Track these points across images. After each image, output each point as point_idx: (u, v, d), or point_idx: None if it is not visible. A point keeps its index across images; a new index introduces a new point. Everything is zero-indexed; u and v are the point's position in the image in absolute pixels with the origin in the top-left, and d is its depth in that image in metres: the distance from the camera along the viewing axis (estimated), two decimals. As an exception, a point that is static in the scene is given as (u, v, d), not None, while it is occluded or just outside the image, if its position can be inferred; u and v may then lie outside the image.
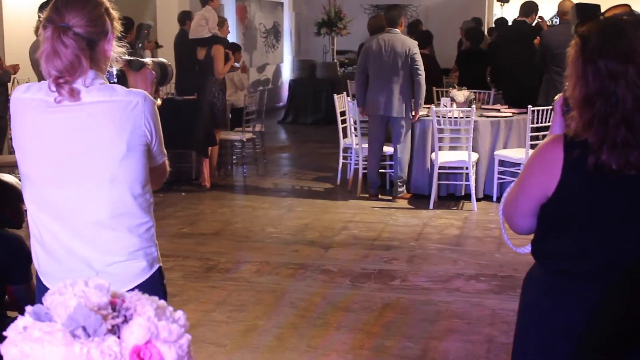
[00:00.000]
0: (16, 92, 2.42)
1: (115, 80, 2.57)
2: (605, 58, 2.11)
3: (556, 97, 2.36)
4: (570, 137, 2.17)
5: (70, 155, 2.34)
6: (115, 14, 2.43)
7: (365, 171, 8.61)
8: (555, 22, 12.70)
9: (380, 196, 8.45)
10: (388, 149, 8.48)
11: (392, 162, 8.52)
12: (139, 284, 2.41)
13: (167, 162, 2.59)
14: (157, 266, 2.51)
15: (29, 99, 2.37)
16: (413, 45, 8.18)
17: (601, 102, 2.11)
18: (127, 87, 2.46)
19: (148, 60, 2.70)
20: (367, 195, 8.47)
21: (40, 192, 2.41)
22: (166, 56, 9.91)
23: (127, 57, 2.54)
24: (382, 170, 8.69)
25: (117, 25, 2.43)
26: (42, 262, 2.47)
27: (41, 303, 1.40)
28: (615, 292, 2.18)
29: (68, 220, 2.39)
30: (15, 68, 7.62)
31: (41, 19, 2.37)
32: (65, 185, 2.36)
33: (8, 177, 3.75)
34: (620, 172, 2.10)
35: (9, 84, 7.92)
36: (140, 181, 2.40)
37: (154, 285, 2.43)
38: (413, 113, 8.17)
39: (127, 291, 1.46)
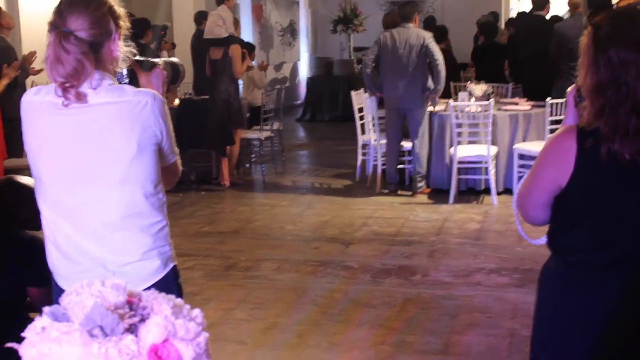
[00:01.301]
0: (26, 96, 2.43)
1: (127, 80, 2.57)
2: (617, 47, 2.10)
3: (569, 89, 2.35)
4: (582, 126, 2.16)
5: (81, 156, 2.35)
6: (121, 11, 2.41)
7: (384, 167, 8.60)
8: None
9: (399, 192, 8.44)
10: (406, 145, 8.46)
11: (410, 158, 8.50)
12: (154, 283, 2.41)
13: (179, 161, 2.59)
14: (171, 265, 2.51)
15: (39, 102, 2.38)
16: (427, 36, 8.16)
17: (612, 91, 2.10)
18: (138, 87, 2.46)
19: (159, 60, 2.69)
20: (387, 191, 8.46)
21: (52, 194, 2.42)
22: (182, 56, 9.95)
23: (137, 57, 2.54)
24: (401, 166, 8.68)
25: (123, 24, 2.41)
26: (57, 264, 2.49)
27: (58, 304, 1.41)
28: (632, 284, 2.16)
29: (81, 221, 2.40)
30: (31, 56, 7.61)
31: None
32: (76, 186, 2.37)
33: (25, 179, 3.77)
34: (634, 161, 2.09)
35: (28, 85, 7.97)
36: (152, 180, 2.40)
37: (169, 284, 2.44)
38: (430, 102, 8.15)
39: (143, 290, 1.46)
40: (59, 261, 2.48)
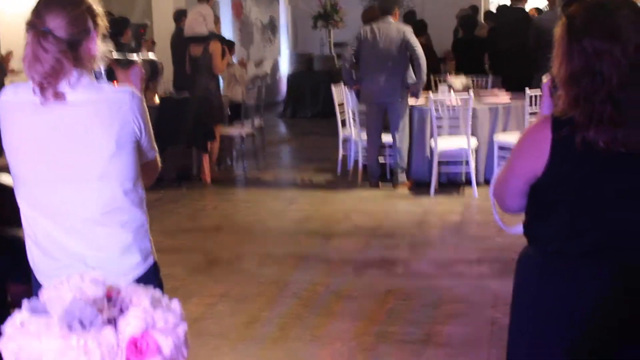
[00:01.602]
0: (4, 95, 2.43)
1: (105, 78, 2.58)
2: (591, 36, 2.12)
3: (544, 79, 2.38)
4: (557, 116, 2.19)
5: (60, 154, 2.37)
6: (99, 10, 2.42)
7: (366, 161, 8.63)
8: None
9: (380, 185, 8.47)
10: (387, 139, 8.49)
11: (391, 151, 8.53)
12: (135, 278, 2.44)
13: (158, 158, 2.61)
14: (151, 260, 2.53)
15: (16, 101, 2.39)
16: (407, 30, 8.20)
17: (587, 80, 2.12)
18: (116, 85, 2.48)
19: (137, 57, 2.71)
20: (368, 185, 8.49)
21: (32, 191, 2.44)
22: (162, 54, 9.93)
23: (115, 56, 2.55)
24: (382, 160, 8.71)
25: (102, 23, 2.42)
26: (37, 260, 2.50)
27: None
28: (607, 274, 2.19)
29: (61, 218, 2.42)
30: (8, 56, 7.59)
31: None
32: (56, 184, 2.39)
33: (5, 178, 3.77)
34: (609, 150, 2.11)
35: (6, 80, 7.93)
36: (131, 177, 2.42)
37: (149, 279, 2.46)
38: (411, 96, 8.20)
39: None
40: (38, 258, 2.49)
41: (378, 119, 8.35)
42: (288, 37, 18.31)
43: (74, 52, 2.32)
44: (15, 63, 7.60)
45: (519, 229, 2.46)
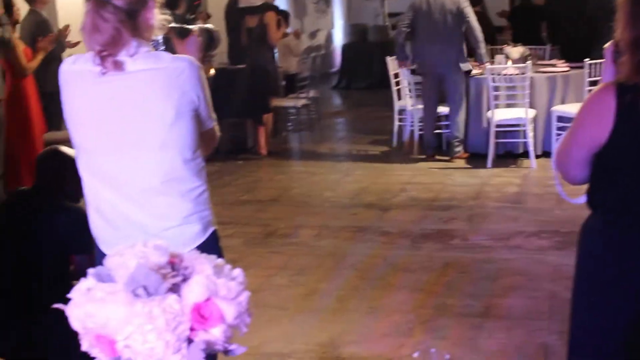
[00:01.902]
0: (64, 65, 2.46)
1: (163, 48, 2.58)
2: None
3: (606, 45, 2.31)
4: (621, 82, 2.12)
5: (120, 123, 2.37)
6: None
7: (422, 132, 8.56)
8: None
9: (437, 157, 8.39)
10: (443, 109, 8.41)
11: (447, 123, 8.44)
12: (195, 247, 2.44)
13: (216, 127, 2.60)
14: (211, 229, 2.53)
15: (77, 71, 2.40)
16: (463, 1, 8.07)
17: None
18: (174, 54, 2.48)
19: (194, 26, 2.70)
20: (424, 157, 8.42)
21: (93, 161, 2.45)
22: (217, 26, 9.94)
23: (172, 25, 2.55)
24: (438, 131, 8.63)
25: None
26: (100, 229, 2.52)
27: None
28: None
29: (122, 187, 2.43)
30: (65, 30, 7.66)
31: None
32: (116, 153, 2.40)
33: (69, 150, 3.81)
34: None
35: (63, 54, 8.02)
36: (190, 146, 2.42)
37: (209, 248, 2.46)
38: (473, 66, 8.11)
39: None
40: (101, 227, 2.51)
41: (434, 89, 8.27)
42: (342, 8, 18.19)
43: (132, 22, 2.33)
44: (72, 35, 7.67)
45: (581, 199, 2.41)
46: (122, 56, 2.32)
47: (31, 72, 6.91)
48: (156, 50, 2.50)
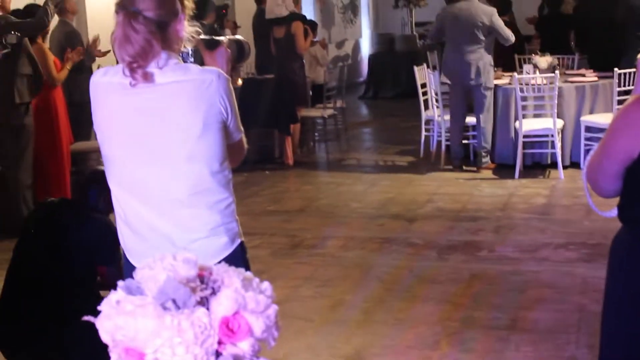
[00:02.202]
0: (94, 77, 2.48)
1: (192, 60, 2.60)
2: None
3: (639, 56, 2.29)
4: None
5: (148, 135, 2.39)
6: None
7: (448, 143, 8.53)
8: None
9: (464, 167, 8.37)
10: (470, 120, 8.38)
11: (474, 133, 8.41)
12: (222, 259, 2.44)
13: (244, 139, 2.61)
14: (238, 241, 2.54)
15: (107, 82, 2.43)
16: (492, 12, 8.05)
17: None
18: (203, 66, 2.49)
19: (223, 38, 2.72)
20: (451, 167, 8.40)
21: (121, 172, 2.47)
22: (245, 36, 9.99)
23: (201, 37, 2.57)
24: (465, 141, 8.60)
25: (189, 4, 2.46)
26: (128, 241, 2.54)
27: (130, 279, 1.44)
28: None
29: (149, 198, 2.45)
30: (95, 42, 7.74)
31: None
32: (144, 164, 2.42)
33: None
34: None
35: (94, 68, 8.11)
36: (218, 158, 2.43)
37: (236, 260, 2.46)
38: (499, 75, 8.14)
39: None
40: (129, 238, 2.53)
41: (462, 99, 8.25)
42: (369, 18, 18.21)
43: (162, 34, 2.35)
44: (101, 45, 7.76)
45: (613, 212, 2.39)
46: (152, 68, 2.34)
47: (60, 83, 6.97)
48: (185, 61, 2.52)
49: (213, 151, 2.42)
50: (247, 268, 2.54)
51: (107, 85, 2.43)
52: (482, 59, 8.02)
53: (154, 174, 2.42)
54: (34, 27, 6.45)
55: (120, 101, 2.41)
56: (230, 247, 2.50)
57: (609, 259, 2.38)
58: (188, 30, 2.46)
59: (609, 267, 2.38)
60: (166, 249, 2.35)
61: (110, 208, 3.84)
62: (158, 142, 2.40)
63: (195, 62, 2.59)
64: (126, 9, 2.32)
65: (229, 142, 2.50)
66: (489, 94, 8.10)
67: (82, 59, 7.38)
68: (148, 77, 2.33)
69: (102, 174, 3.45)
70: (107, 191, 3.40)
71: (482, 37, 8.00)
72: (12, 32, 6.14)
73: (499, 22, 8.04)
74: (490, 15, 8.01)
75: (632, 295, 2.24)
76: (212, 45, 2.65)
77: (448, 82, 8.39)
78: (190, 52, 2.62)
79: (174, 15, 2.39)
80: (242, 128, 2.57)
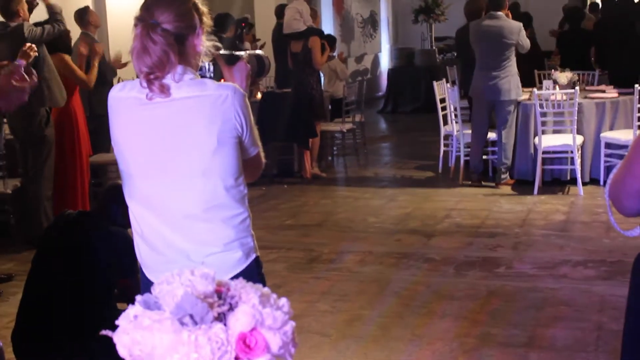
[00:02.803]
0: (112, 91, 2.50)
1: (212, 74, 2.61)
2: None
3: None
4: None
5: (164, 150, 2.41)
6: (204, 9, 2.47)
7: (467, 158, 8.51)
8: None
9: (482, 183, 8.34)
10: (491, 135, 8.35)
11: (494, 148, 8.39)
12: (237, 274, 2.44)
13: (262, 154, 2.61)
14: (253, 256, 2.53)
15: (124, 97, 2.44)
16: (520, 28, 8.05)
17: None
18: (221, 80, 2.50)
19: (243, 53, 2.73)
20: (469, 182, 8.37)
21: (137, 186, 2.49)
22: (264, 50, 10.04)
23: (221, 52, 2.58)
24: (485, 157, 8.58)
25: (207, 20, 2.47)
26: (144, 255, 2.55)
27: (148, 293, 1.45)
28: None
29: (164, 213, 2.46)
30: (118, 56, 7.82)
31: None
32: (160, 179, 2.43)
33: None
34: None
35: (115, 81, 8.17)
36: (233, 173, 2.44)
37: (251, 275, 2.46)
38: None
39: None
40: (145, 253, 2.54)
41: (487, 116, 8.23)
42: (389, 32, 18.24)
43: (180, 47, 2.36)
44: (123, 58, 7.84)
45: (635, 231, 2.36)
46: (168, 80, 2.36)
47: (93, 84, 7.02)
48: (203, 76, 2.53)
49: (228, 166, 2.42)
50: (263, 283, 2.54)
51: (124, 100, 2.45)
52: (512, 74, 8.01)
53: (168, 189, 2.43)
54: (46, 39, 6.48)
55: (136, 116, 2.42)
56: (244, 262, 2.50)
57: (631, 277, 2.35)
58: (206, 45, 2.48)
59: (631, 285, 2.35)
60: (182, 264, 2.37)
61: (128, 222, 3.88)
62: (173, 157, 2.41)
63: (215, 77, 2.60)
64: (145, 21, 2.34)
65: (245, 158, 2.50)
66: (513, 112, 8.07)
67: (106, 71, 7.47)
68: (165, 89, 2.35)
69: (120, 188, 3.49)
70: (125, 205, 3.43)
71: (510, 54, 7.99)
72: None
73: (526, 41, 8.06)
74: (519, 31, 8.01)
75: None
76: (231, 60, 2.66)
77: (468, 98, 8.38)
78: (208, 67, 2.63)
79: (192, 29, 2.41)
80: (259, 143, 2.57)
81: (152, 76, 2.33)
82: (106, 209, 3.76)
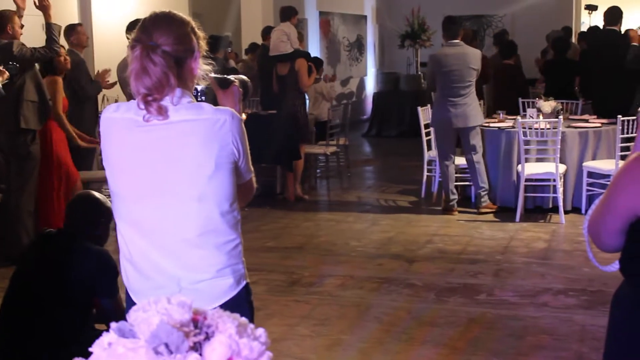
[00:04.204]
0: (106, 112, 2.46)
1: (204, 98, 2.59)
2: None
3: None
4: None
5: (159, 173, 2.38)
6: (201, 33, 2.46)
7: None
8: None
9: (464, 209, 8.34)
10: (460, 162, 8.39)
11: (470, 175, 8.38)
12: (226, 300, 2.42)
13: (254, 179, 2.60)
14: (244, 283, 2.51)
15: (119, 118, 2.41)
16: (479, 54, 8.23)
17: None
18: (215, 104, 2.49)
19: (233, 77, 2.72)
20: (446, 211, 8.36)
21: (129, 209, 2.45)
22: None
23: (214, 75, 2.57)
24: (462, 183, 8.61)
25: (203, 44, 2.46)
26: (132, 279, 2.49)
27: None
28: None
29: (156, 237, 2.42)
30: (105, 74, 7.80)
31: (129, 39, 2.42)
32: (154, 203, 2.39)
33: (100, 195, 3.85)
34: None
35: (99, 99, 8.14)
36: (228, 199, 2.42)
37: (240, 302, 2.44)
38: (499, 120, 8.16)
39: (214, 308, 1.46)
40: (133, 277, 2.48)
41: (453, 142, 8.27)
42: (375, 56, 18.32)
43: (178, 70, 2.35)
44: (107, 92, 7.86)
45: (613, 267, 2.36)
46: (166, 102, 2.34)
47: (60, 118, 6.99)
48: (197, 99, 2.51)
49: (223, 191, 2.40)
50: (251, 310, 2.53)
51: (119, 121, 2.41)
52: (474, 100, 8.08)
53: (162, 213, 2.40)
54: (37, 60, 6.49)
55: (131, 137, 2.39)
56: (235, 289, 2.47)
57: (611, 312, 2.35)
58: (203, 68, 2.47)
59: (610, 320, 2.35)
60: (171, 290, 2.34)
61: (107, 234, 3.86)
62: (169, 180, 2.38)
63: (207, 100, 2.59)
64: (144, 43, 2.32)
65: (239, 182, 2.49)
66: (477, 135, 8.13)
67: (91, 88, 7.47)
68: (162, 111, 2.32)
69: (92, 199, 3.46)
70: (101, 217, 3.41)
71: (471, 80, 8.07)
72: (10, 63, 6.16)
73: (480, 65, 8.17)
74: (479, 58, 8.10)
75: (632, 351, 2.21)
76: (224, 84, 2.64)
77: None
78: (201, 90, 2.61)
79: (190, 52, 2.39)
80: (252, 168, 2.56)
81: (150, 98, 2.30)
82: (83, 224, 3.72)
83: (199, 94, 2.58)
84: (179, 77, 2.35)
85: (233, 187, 2.43)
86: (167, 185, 2.38)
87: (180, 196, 2.38)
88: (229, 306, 2.32)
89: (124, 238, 2.48)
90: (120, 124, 2.41)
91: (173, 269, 2.42)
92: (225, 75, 2.69)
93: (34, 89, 6.50)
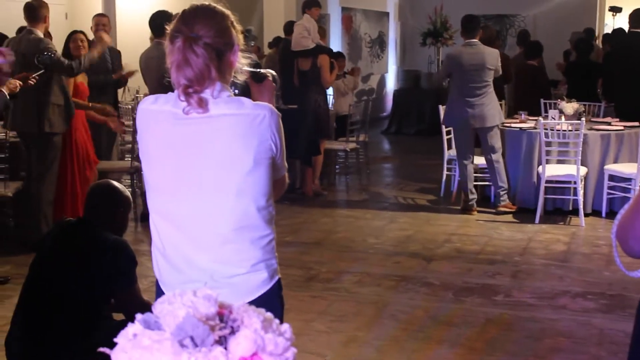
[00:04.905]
0: (143, 104, 2.45)
1: (237, 91, 2.58)
2: None
3: None
4: None
5: (197, 167, 2.36)
6: (239, 27, 2.44)
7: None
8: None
9: (484, 209, 8.30)
10: (479, 162, 8.36)
11: (489, 174, 8.34)
12: (260, 295, 2.41)
13: (287, 175, 2.59)
14: (276, 278, 2.50)
15: (157, 110, 2.39)
16: (497, 54, 8.16)
17: None
18: (247, 97, 2.48)
19: (266, 71, 2.70)
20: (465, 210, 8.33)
21: (165, 202, 2.43)
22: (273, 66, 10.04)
23: (250, 69, 2.55)
24: (483, 183, 8.58)
25: (241, 38, 2.44)
26: (164, 272, 2.48)
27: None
28: None
29: (191, 231, 2.40)
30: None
31: (168, 31, 2.38)
32: (191, 197, 2.37)
33: (121, 186, 3.85)
34: None
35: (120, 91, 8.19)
36: (265, 194, 2.40)
37: (273, 297, 2.44)
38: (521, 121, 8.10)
39: (248, 303, 1.46)
40: (165, 270, 2.47)
41: (472, 142, 8.22)
42: (396, 53, 18.27)
43: (219, 62, 2.33)
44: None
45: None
46: (207, 95, 2.32)
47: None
48: (235, 93, 2.50)
49: (261, 187, 2.38)
50: (282, 305, 2.53)
51: (157, 113, 2.39)
52: (492, 100, 8.03)
53: (199, 207, 2.38)
54: (61, 69, 6.51)
55: (170, 130, 2.37)
56: (269, 284, 2.46)
57: (637, 318, 2.32)
58: (241, 62, 2.45)
59: (636, 324, 2.32)
60: (202, 283, 2.32)
61: (126, 224, 3.86)
62: (207, 174, 2.36)
63: (239, 93, 2.57)
64: (185, 35, 2.30)
65: (275, 178, 2.47)
66: (496, 135, 8.09)
67: (110, 80, 7.50)
68: (203, 104, 2.30)
69: (111, 188, 3.46)
70: (120, 206, 3.40)
71: (490, 79, 8.02)
72: (46, 53, 6.21)
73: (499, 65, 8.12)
74: (497, 58, 8.05)
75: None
76: (259, 78, 2.63)
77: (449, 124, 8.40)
78: (235, 84, 2.60)
79: (230, 46, 2.38)
80: (286, 164, 2.54)
81: (190, 89, 2.28)
82: (102, 213, 3.73)
83: (235, 86, 2.57)
84: (218, 70, 2.33)
85: (270, 183, 2.42)
86: (205, 179, 2.36)
87: (217, 191, 2.35)
88: (262, 300, 2.32)
89: (157, 231, 2.46)
90: (158, 117, 2.39)
91: (206, 263, 2.40)
92: (259, 70, 2.67)
93: (59, 90, 6.55)
